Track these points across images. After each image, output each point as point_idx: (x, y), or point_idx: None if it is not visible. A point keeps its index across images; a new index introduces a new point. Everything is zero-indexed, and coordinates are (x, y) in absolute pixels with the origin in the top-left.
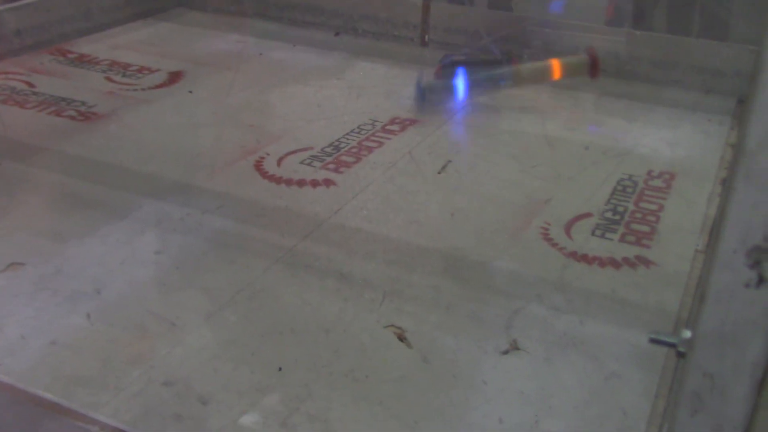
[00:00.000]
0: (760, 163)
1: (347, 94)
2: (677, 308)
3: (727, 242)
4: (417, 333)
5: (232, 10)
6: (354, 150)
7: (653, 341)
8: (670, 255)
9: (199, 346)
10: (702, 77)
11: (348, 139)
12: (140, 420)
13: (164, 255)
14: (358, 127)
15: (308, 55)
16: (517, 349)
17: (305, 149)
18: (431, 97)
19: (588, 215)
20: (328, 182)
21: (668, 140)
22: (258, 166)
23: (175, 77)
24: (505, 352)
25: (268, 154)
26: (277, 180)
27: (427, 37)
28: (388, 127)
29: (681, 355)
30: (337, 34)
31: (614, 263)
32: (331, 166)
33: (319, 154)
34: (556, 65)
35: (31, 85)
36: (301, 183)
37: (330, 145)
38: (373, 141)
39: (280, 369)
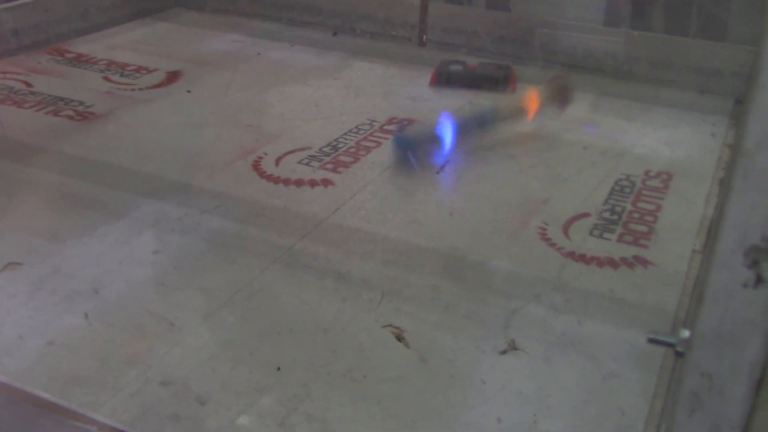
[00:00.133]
0: (758, 164)
1: (345, 94)
2: (675, 308)
3: (725, 242)
4: (415, 333)
5: (230, 9)
6: (352, 150)
7: (652, 341)
8: (667, 255)
9: (197, 346)
10: (700, 77)
11: (346, 138)
12: (138, 420)
13: (162, 255)
14: (356, 127)
15: (306, 54)
16: (516, 348)
17: (303, 149)
18: (415, 154)
19: (586, 215)
20: (326, 182)
21: (666, 140)
22: (256, 166)
23: (173, 77)
24: (504, 352)
25: (266, 154)
26: (275, 180)
27: (425, 37)
28: (386, 127)
29: (679, 355)
30: (335, 33)
31: (612, 263)
32: (329, 166)
33: (317, 154)
34: (531, 102)
35: (28, 84)
36: (299, 183)
37: (328, 144)
38: (371, 141)
39: (278, 369)
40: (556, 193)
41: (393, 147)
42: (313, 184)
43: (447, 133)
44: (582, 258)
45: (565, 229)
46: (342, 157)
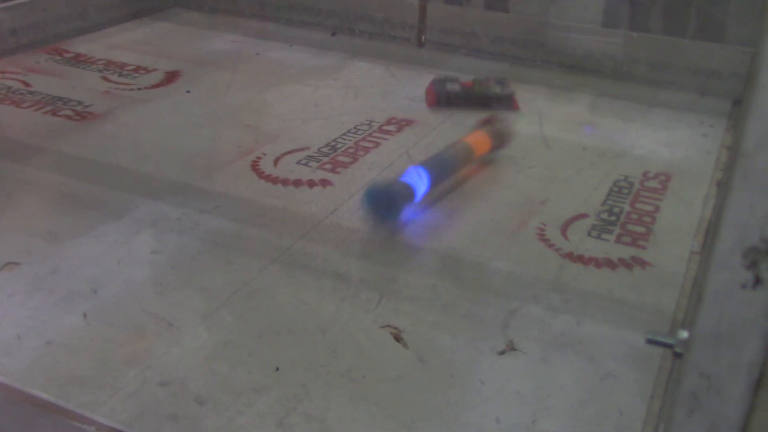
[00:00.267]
0: (757, 164)
1: (344, 95)
2: (673, 309)
3: (724, 243)
4: (414, 333)
5: (229, 9)
6: (351, 150)
7: (650, 342)
8: (666, 256)
9: (196, 346)
10: (698, 79)
11: (345, 139)
12: (136, 420)
13: (161, 255)
14: (354, 128)
15: (305, 55)
16: (514, 349)
17: (302, 149)
18: (388, 206)
19: (584, 216)
20: (324, 182)
21: (664, 141)
22: (255, 166)
23: (171, 77)
24: (502, 352)
25: (264, 154)
26: (274, 180)
27: (423, 37)
28: (384, 128)
29: (678, 356)
30: (334, 34)
31: (610, 264)
32: (328, 166)
33: (315, 155)
34: (483, 144)
35: (27, 84)
36: (297, 183)
37: (327, 145)
38: (370, 141)
39: (277, 369)
40: (554, 194)
41: (364, 202)
42: (311, 184)
43: (416, 180)
44: (580, 259)
45: (564, 229)
46: (341, 158)
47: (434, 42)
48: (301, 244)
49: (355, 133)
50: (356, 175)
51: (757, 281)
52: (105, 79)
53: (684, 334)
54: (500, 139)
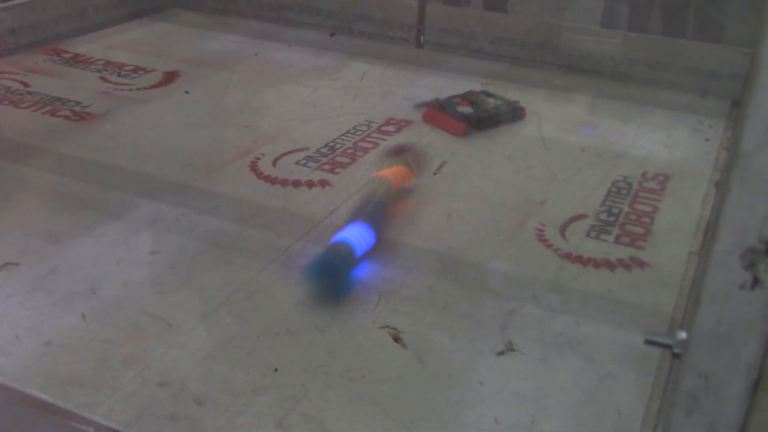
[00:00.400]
0: (755, 165)
1: (343, 95)
2: (672, 309)
3: (722, 244)
4: (413, 333)
5: (228, 10)
6: (349, 151)
7: (649, 342)
8: (664, 256)
9: (195, 347)
10: (697, 79)
11: (343, 139)
12: (135, 420)
13: (160, 255)
14: (353, 128)
15: (304, 55)
16: (513, 349)
17: (301, 150)
18: (335, 277)
19: (583, 216)
20: (323, 183)
21: (663, 142)
22: (253, 167)
23: (170, 77)
24: (501, 353)
25: (263, 155)
26: (273, 180)
27: (422, 38)
28: (383, 128)
29: (676, 356)
30: (332, 34)
31: (609, 264)
32: (327, 166)
33: (314, 155)
34: (404, 176)
35: (26, 84)
36: (296, 183)
37: (325, 145)
38: (369, 142)
39: (276, 369)
40: (553, 195)
41: (307, 278)
42: (310, 184)
43: (356, 239)
44: (579, 259)
45: (563, 230)
46: (339, 158)
47: (433, 42)
48: (300, 244)
49: (354, 133)
50: (355, 175)
51: (756, 282)
52: (104, 79)
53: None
54: (420, 167)
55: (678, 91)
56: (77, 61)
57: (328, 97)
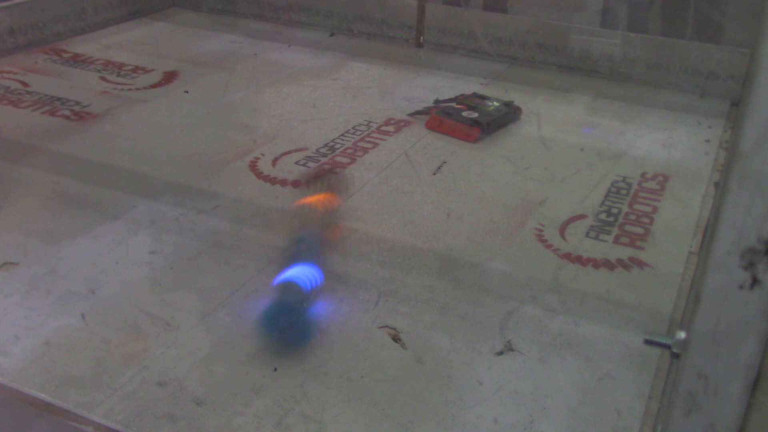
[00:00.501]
0: (754, 166)
1: (342, 95)
2: (671, 309)
3: (721, 244)
4: (412, 334)
5: (227, 10)
6: (349, 151)
7: (648, 342)
8: (663, 256)
9: (194, 347)
10: (696, 80)
11: (343, 139)
12: (134, 420)
13: (159, 255)
14: (353, 128)
15: (303, 55)
16: (512, 349)
17: (300, 150)
18: (291, 324)
19: (582, 217)
20: None
21: (662, 142)
22: (253, 167)
23: (170, 77)
24: (500, 353)
25: (263, 155)
26: (272, 180)
27: (422, 38)
28: (383, 128)
29: (675, 356)
30: (332, 34)
31: (608, 264)
32: (326, 166)
33: (314, 155)
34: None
35: (25, 84)
36: (296, 183)
37: (325, 145)
38: (368, 142)
39: (275, 369)
40: (552, 195)
41: (262, 330)
42: None
43: (303, 278)
44: (578, 259)
45: (562, 230)
46: (339, 158)
47: (433, 42)
48: None
49: (353, 133)
50: (355, 175)
51: (754, 282)
52: (103, 79)
53: (682, 335)
54: (342, 190)
55: (677, 92)
56: (76, 60)
57: (327, 97)
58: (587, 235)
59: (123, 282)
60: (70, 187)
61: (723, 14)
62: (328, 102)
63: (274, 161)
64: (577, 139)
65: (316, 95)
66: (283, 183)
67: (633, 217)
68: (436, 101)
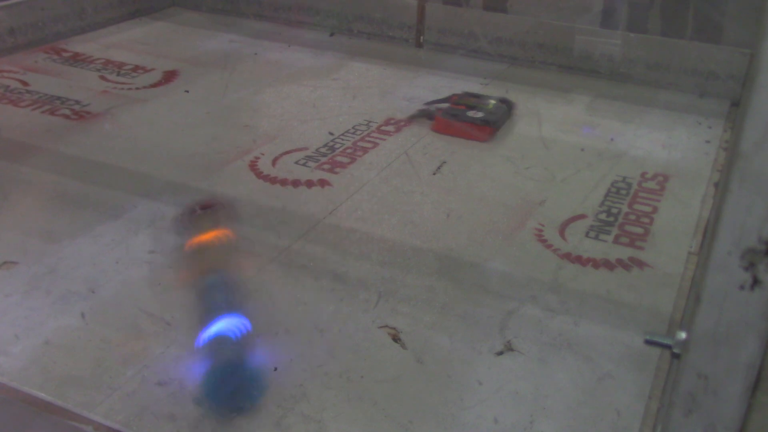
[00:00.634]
0: (755, 166)
1: (342, 95)
2: (671, 309)
3: (721, 244)
4: (412, 334)
5: (227, 9)
6: (349, 150)
7: (649, 343)
8: (663, 257)
9: (194, 346)
10: (696, 80)
11: (343, 139)
12: (134, 420)
13: (159, 255)
14: (353, 128)
15: (303, 55)
16: (512, 349)
17: (300, 149)
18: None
19: (582, 217)
20: (323, 182)
21: (662, 142)
22: (253, 166)
23: (169, 76)
24: (500, 353)
25: (263, 154)
26: (272, 180)
27: (422, 38)
28: (383, 128)
29: (676, 357)
30: (332, 34)
31: (608, 265)
32: (326, 166)
33: (314, 155)
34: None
35: (25, 83)
36: (296, 183)
37: (325, 145)
38: (368, 141)
39: (275, 369)
40: (552, 195)
41: (207, 401)
42: (310, 184)
43: (230, 329)
44: (578, 259)
45: (562, 230)
46: (339, 158)
47: (432, 42)
48: (299, 244)
49: (353, 133)
50: (354, 175)
51: (755, 282)
52: (103, 78)
53: (682, 335)
54: (231, 221)
55: (677, 92)
56: (76, 60)
57: (327, 97)
58: (587, 235)
59: (123, 281)
60: (70, 187)
61: (723, 14)
62: (328, 102)
63: (274, 161)
64: (577, 139)
65: (316, 95)
66: (284, 183)
67: (633, 217)
68: (428, 103)
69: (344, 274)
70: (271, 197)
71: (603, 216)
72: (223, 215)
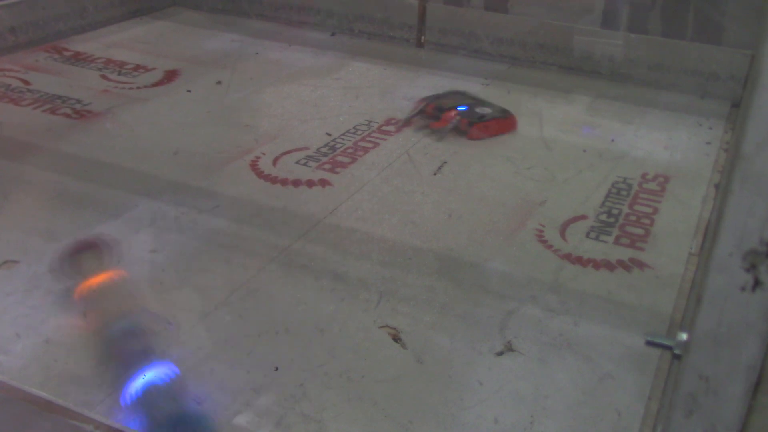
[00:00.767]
0: (756, 167)
1: (343, 95)
2: (671, 310)
3: (723, 245)
4: (412, 333)
5: (228, 9)
6: (350, 150)
7: (650, 344)
8: (664, 258)
9: (195, 346)
10: (697, 81)
11: (343, 139)
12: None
13: (159, 254)
14: (353, 128)
15: (304, 55)
16: (512, 350)
17: (301, 149)
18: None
19: (583, 217)
20: (323, 182)
21: (663, 143)
22: (253, 166)
23: (171, 76)
24: (500, 353)
25: (263, 154)
26: (273, 180)
27: (423, 38)
28: (383, 128)
29: (677, 357)
30: (333, 34)
31: (609, 265)
32: (327, 166)
33: (314, 154)
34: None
35: (26, 82)
36: (296, 183)
37: (325, 145)
38: (369, 141)
39: (276, 369)
40: (553, 195)
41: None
42: (310, 184)
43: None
44: (579, 260)
45: (562, 231)
46: (339, 158)
47: (433, 42)
48: (299, 243)
49: (354, 133)
50: (355, 175)
51: (756, 284)
52: (104, 77)
53: (683, 336)
54: (108, 260)
55: (678, 93)
56: (78, 59)
57: (328, 97)
58: (587, 235)
59: (123, 281)
60: (71, 186)
61: (724, 15)
62: (329, 101)
63: (275, 160)
64: (577, 140)
65: (316, 95)
66: (284, 182)
67: (633, 218)
68: (410, 116)
69: (345, 273)
70: (271, 197)
71: (603, 217)
72: (106, 255)
